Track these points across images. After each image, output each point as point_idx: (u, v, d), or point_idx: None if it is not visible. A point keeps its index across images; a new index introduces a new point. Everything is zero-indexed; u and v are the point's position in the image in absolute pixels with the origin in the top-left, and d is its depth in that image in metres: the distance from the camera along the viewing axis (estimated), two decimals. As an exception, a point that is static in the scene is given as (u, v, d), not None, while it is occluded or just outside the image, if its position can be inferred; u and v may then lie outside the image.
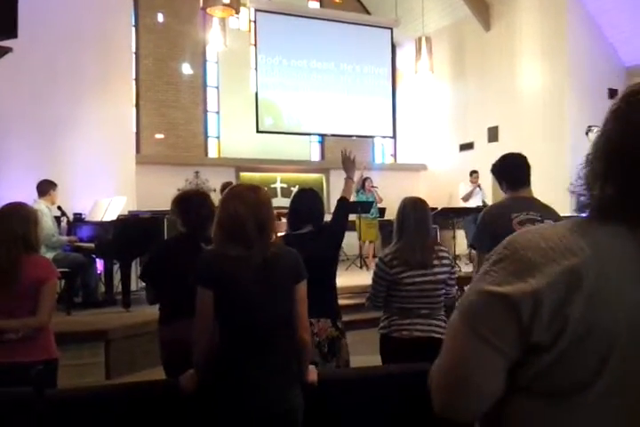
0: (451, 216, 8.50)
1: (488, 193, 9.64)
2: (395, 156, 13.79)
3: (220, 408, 2.00)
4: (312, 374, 2.22)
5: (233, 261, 2.01)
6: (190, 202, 2.91)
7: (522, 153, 3.09)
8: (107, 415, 2.14)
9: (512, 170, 3.00)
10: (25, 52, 4.83)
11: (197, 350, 2.01)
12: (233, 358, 2.03)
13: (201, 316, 2.00)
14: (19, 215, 2.65)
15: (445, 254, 3.14)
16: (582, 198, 0.91)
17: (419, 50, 11.08)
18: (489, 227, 2.87)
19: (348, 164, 3.30)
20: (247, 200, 2.05)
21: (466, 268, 7.79)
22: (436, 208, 7.65)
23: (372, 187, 9.04)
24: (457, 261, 7.59)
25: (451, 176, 11.27)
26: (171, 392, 2.13)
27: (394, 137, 13.12)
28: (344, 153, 3.31)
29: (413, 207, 3.08)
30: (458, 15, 11.42)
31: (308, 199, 3.12)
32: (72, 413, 2.09)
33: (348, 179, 3.28)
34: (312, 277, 2.87)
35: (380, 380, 2.41)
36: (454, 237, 8.47)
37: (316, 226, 3.04)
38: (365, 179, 9.01)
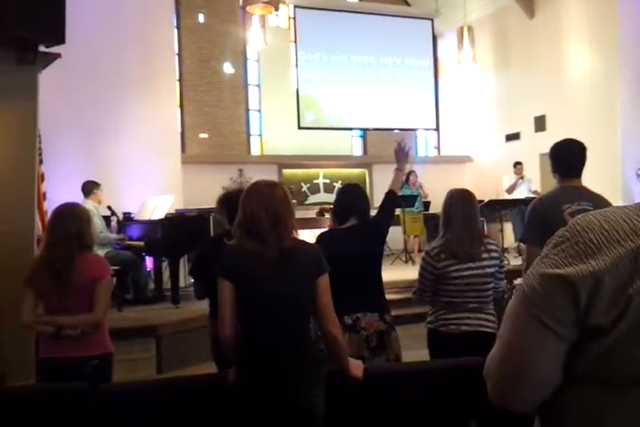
0: (498, 209, 8.32)
1: (537, 182, 9.40)
2: (438, 148, 13.60)
3: (240, 401, 2.03)
4: (356, 368, 2.21)
5: (249, 255, 2.05)
6: (234, 201, 2.95)
7: (579, 140, 2.97)
8: (159, 409, 2.18)
9: (565, 157, 2.91)
10: (71, 56, 4.94)
11: (222, 342, 2.06)
12: (251, 351, 2.06)
13: (222, 307, 2.06)
14: (73, 215, 2.73)
15: (494, 247, 3.06)
16: None
17: (460, 40, 10.88)
18: (539, 218, 2.79)
19: (401, 155, 3.27)
20: (262, 196, 2.10)
21: (514, 261, 7.62)
22: (483, 201, 7.50)
23: (417, 181, 8.95)
24: (505, 255, 7.43)
25: (497, 167, 11.03)
26: (219, 386, 2.16)
27: (437, 129, 12.94)
28: (400, 143, 3.29)
29: (460, 199, 3.02)
30: (500, 3, 11.16)
31: (352, 194, 3.12)
32: (126, 406, 2.14)
33: (398, 171, 3.25)
34: (357, 272, 2.88)
35: (426, 374, 2.38)
36: (502, 230, 8.29)
37: (361, 220, 3.03)
38: (410, 173, 8.90)
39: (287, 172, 10.92)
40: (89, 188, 5.74)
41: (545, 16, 10.40)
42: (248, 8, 8.41)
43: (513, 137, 11.22)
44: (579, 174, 2.89)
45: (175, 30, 10.01)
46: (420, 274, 3.05)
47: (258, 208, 2.06)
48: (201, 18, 11.25)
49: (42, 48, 4.42)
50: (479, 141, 12.29)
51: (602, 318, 0.81)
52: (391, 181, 3.23)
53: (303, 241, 2.22)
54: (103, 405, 2.09)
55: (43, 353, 2.69)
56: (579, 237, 0.84)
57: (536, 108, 10.50)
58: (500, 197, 9.14)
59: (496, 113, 11.74)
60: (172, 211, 6.77)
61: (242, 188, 3.19)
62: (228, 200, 2.98)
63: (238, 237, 2.11)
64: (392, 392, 2.30)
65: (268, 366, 2.02)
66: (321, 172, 11.29)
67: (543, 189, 9.66)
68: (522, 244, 3.31)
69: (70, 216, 2.71)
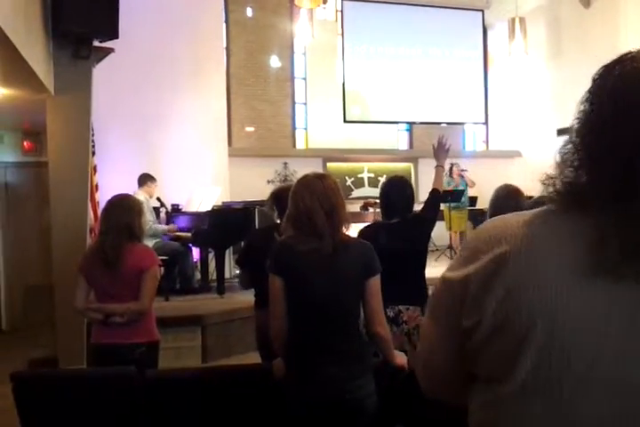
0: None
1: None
2: (487, 142, 13.33)
3: (290, 394, 2.04)
4: (400, 358, 2.20)
5: (301, 251, 2.03)
6: (285, 196, 2.96)
7: None
8: (202, 396, 2.22)
9: None
10: (124, 50, 5.07)
11: (272, 335, 2.07)
12: (299, 346, 2.07)
13: (273, 302, 2.07)
14: (124, 206, 2.80)
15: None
16: (551, 187, 0.85)
17: (512, 31, 10.61)
18: None
19: (441, 151, 3.25)
20: (314, 189, 2.06)
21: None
22: (532, 197, 7.31)
23: (462, 171, 8.75)
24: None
25: (548, 163, 10.66)
26: (263, 376, 2.18)
27: (486, 123, 12.68)
28: (440, 139, 3.25)
29: (507, 196, 2.96)
30: (554, -7, 10.82)
31: (399, 187, 3.09)
32: (171, 392, 2.19)
33: (439, 167, 3.24)
34: (401, 267, 2.86)
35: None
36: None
37: (407, 215, 3.01)
38: (452, 165, 8.74)
39: (332, 165, 10.90)
40: (144, 180, 5.90)
41: (602, 5, 10.02)
42: (296, 1, 8.43)
43: (565, 131, 10.82)
44: None
45: (224, 24, 10.11)
46: None
47: (312, 203, 2.03)
48: (249, 12, 11.32)
49: (96, 43, 4.54)
50: (529, 136, 11.98)
51: (467, 321, 0.83)
52: (434, 179, 3.21)
53: (356, 239, 2.20)
54: (149, 389, 2.14)
55: (93, 339, 2.79)
56: (470, 242, 0.88)
57: (590, 101, 10.15)
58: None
59: (548, 106, 11.41)
60: (219, 203, 6.87)
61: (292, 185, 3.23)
62: (280, 196, 3.00)
63: (289, 231, 2.09)
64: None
65: (315, 359, 2.03)
66: (365, 166, 11.23)
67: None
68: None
69: (122, 207, 2.78)
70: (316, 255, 2.01)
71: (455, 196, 8.27)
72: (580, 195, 0.80)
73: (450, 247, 8.60)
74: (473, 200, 9.41)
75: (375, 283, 2.07)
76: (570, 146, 0.86)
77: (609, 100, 0.82)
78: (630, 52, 0.84)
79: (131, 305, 2.68)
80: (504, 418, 0.80)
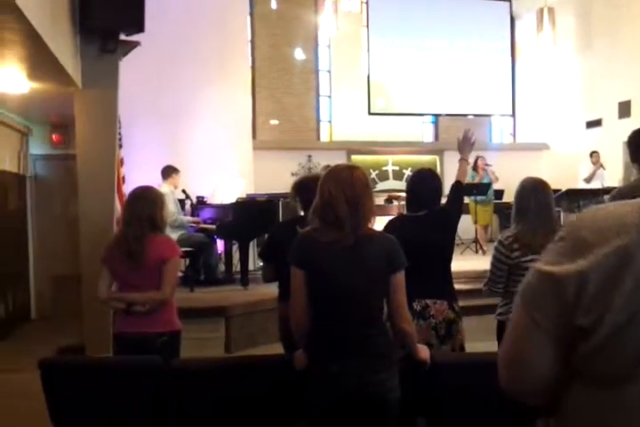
0: (576, 198, 7.97)
1: (619, 172, 8.94)
2: (514, 135, 13.14)
3: (311, 387, 2.04)
4: (423, 352, 2.19)
5: (323, 243, 2.01)
6: (308, 186, 2.96)
7: None
8: (226, 386, 2.25)
9: None
10: (149, 44, 5.11)
11: (293, 327, 2.07)
12: (321, 338, 2.06)
13: (294, 294, 2.07)
14: (147, 198, 2.84)
15: (570, 237, 2.93)
16: None
17: (540, 22, 10.42)
18: None
19: (466, 144, 3.22)
20: (340, 179, 2.04)
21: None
22: (560, 190, 7.20)
23: (486, 165, 8.64)
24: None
25: (576, 156, 10.54)
26: (286, 367, 2.20)
27: (513, 115, 12.49)
28: (466, 133, 3.22)
29: (533, 189, 2.90)
30: (585, -18, 10.58)
31: (426, 180, 3.06)
32: (195, 381, 2.22)
33: (463, 160, 3.22)
34: (428, 260, 2.84)
35: (492, 366, 2.32)
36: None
37: (433, 208, 2.99)
38: (478, 158, 8.64)
39: (356, 158, 10.87)
40: (168, 172, 5.95)
41: (634, -5, 9.76)
42: (321, -7, 8.38)
43: (594, 124, 10.67)
44: None
45: (248, 17, 10.12)
46: (492, 264, 2.97)
47: (337, 192, 2.00)
48: (274, 4, 11.31)
49: (122, 36, 4.58)
50: (557, 128, 11.77)
51: (584, 320, 0.79)
52: (458, 172, 3.18)
53: (381, 232, 2.18)
54: (175, 378, 2.17)
55: (116, 328, 2.84)
56: (572, 234, 0.83)
57: (620, 92, 9.92)
58: (579, 187, 8.76)
59: (576, 98, 11.19)
60: (243, 195, 6.91)
61: (318, 174, 3.23)
62: (303, 186, 3.00)
63: (313, 222, 2.08)
64: (458, 381, 2.26)
65: (337, 352, 2.03)
66: (390, 158, 11.17)
67: (625, 180, 9.17)
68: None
69: (144, 199, 2.82)
70: (338, 247, 2.00)
71: (480, 189, 8.18)
72: None
73: (475, 241, 8.52)
74: (499, 194, 9.30)
75: (400, 278, 2.05)
76: None
77: None
78: None
79: (152, 294, 2.72)
80: (630, 420, 0.77)
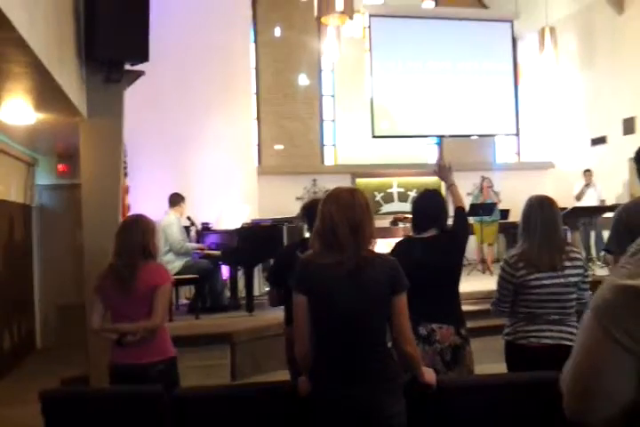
0: (583, 216, 7.92)
1: (626, 189, 8.91)
2: (519, 154, 13.15)
3: (315, 414, 2.00)
4: (428, 375, 2.15)
5: (324, 267, 2.00)
6: (316, 209, 2.96)
7: None
8: (229, 414, 2.20)
9: None
10: (153, 72, 5.17)
11: (297, 354, 2.04)
12: (325, 364, 2.03)
13: (297, 320, 2.05)
14: (137, 226, 2.83)
15: (577, 255, 2.89)
16: None
17: (542, 42, 10.51)
18: (626, 227, 2.61)
19: (444, 172, 3.28)
20: (341, 202, 2.03)
21: (600, 271, 7.20)
22: (566, 208, 7.16)
23: (488, 187, 8.69)
24: (590, 264, 7.06)
25: (582, 174, 10.53)
26: (291, 394, 2.16)
27: (517, 134, 12.52)
28: (438, 162, 3.29)
29: (540, 206, 2.88)
30: (585, 1, 10.68)
31: (432, 201, 3.06)
32: (197, 411, 2.18)
33: (452, 186, 3.25)
34: (435, 282, 2.81)
35: (499, 388, 2.27)
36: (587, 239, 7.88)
37: (441, 230, 2.97)
38: (483, 179, 8.70)
39: (361, 181, 10.89)
40: (176, 200, 5.98)
41: (636, 10, 9.81)
42: (323, 19, 8.51)
43: (599, 141, 10.67)
44: None
45: (252, 44, 10.28)
46: (499, 283, 2.93)
47: (338, 216, 2.00)
48: (277, 32, 11.49)
49: (127, 66, 4.64)
50: (562, 147, 11.77)
51: None
52: (453, 199, 3.19)
53: (382, 254, 2.16)
54: (176, 408, 2.14)
55: (111, 359, 2.80)
56: None
57: (625, 109, 9.94)
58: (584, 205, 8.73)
59: (581, 116, 11.21)
60: (249, 221, 6.92)
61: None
62: (311, 208, 2.99)
63: (314, 247, 2.06)
64: (465, 405, 2.22)
65: (341, 377, 2.00)
66: (395, 180, 11.18)
67: (631, 197, 9.12)
68: (607, 254, 3.13)
69: (135, 227, 2.81)
70: (339, 270, 1.98)
71: (486, 209, 8.16)
72: None
73: (482, 261, 8.46)
74: (504, 213, 9.26)
75: (402, 300, 2.03)
76: None
77: None
78: None
79: (142, 323, 2.69)
80: None
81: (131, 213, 5.78)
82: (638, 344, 0.77)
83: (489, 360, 3.40)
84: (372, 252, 2.08)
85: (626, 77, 9.88)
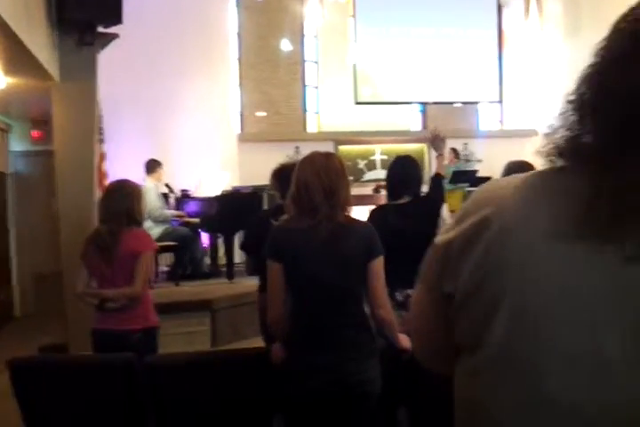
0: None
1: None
2: (502, 122, 13.12)
3: (289, 380, 2.01)
4: (404, 340, 2.17)
5: (298, 233, 1.98)
6: (287, 174, 2.93)
7: None
8: (202, 381, 2.22)
9: None
10: (129, 36, 5.03)
11: (270, 321, 2.04)
12: (300, 330, 2.03)
13: (271, 287, 2.04)
14: (122, 192, 2.79)
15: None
16: (552, 144, 0.78)
17: (527, 8, 10.39)
18: None
19: (437, 142, 3.33)
20: (316, 166, 2.01)
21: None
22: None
23: (455, 158, 8.79)
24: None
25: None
26: (263, 361, 2.17)
27: (500, 102, 12.45)
28: (433, 131, 3.35)
29: (519, 170, 2.88)
30: (571, -34, 10.51)
31: (407, 167, 3.06)
32: (170, 378, 2.19)
33: (440, 156, 3.33)
34: (411, 248, 2.81)
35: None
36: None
37: (416, 196, 2.97)
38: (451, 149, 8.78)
39: (343, 148, 10.81)
40: (152, 166, 5.89)
41: (620, -22, 9.72)
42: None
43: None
44: None
45: (235, 8, 10.01)
46: None
47: (312, 178, 1.98)
48: (260, -6, 11.18)
49: (100, 28, 4.51)
50: (546, 114, 11.77)
51: (447, 286, 0.79)
52: (437, 167, 3.28)
53: (357, 220, 2.14)
54: (149, 375, 2.14)
55: (93, 324, 2.80)
56: (462, 207, 0.83)
57: (607, 77, 9.92)
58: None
59: (564, 85, 11.09)
60: (229, 188, 6.86)
61: (296, 161, 3.23)
62: (283, 174, 2.96)
63: (290, 212, 2.05)
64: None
65: (316, 344, 2.00)
66: (378, 148, 11.12)
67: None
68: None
69: (119, 193, 2.77)
70: (314, 235, 1.96)
71: (469, 176, 8.21)
72: (582, 149, 0.73)
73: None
74: (486, 180, 9.30)
75: (378, 265, 2.02)
76: (575, 96, 0.78)
77: (628, 38, 0.76)
78: None
79: (123, 290, 2.68)
80: (479, 389, 0.76)
81: (108, 180, 5.72)
82: (436, 291, 0.83)
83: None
84: (349, 217, 2.07)
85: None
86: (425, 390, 2.25)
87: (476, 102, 12.27)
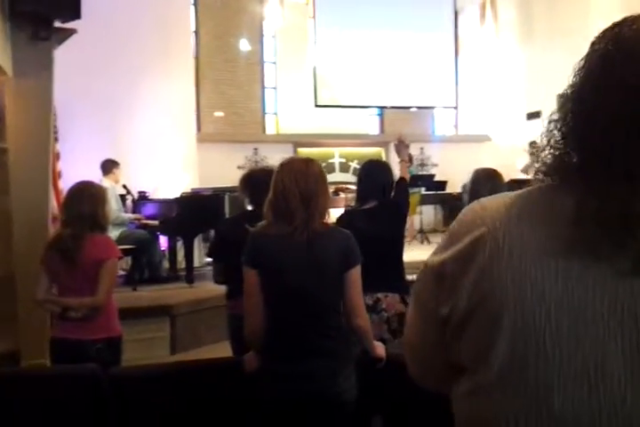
0: (520, 188, 8.18)
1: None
2: (456, 127, 13.38)
3: (263, 389, 1.98)
4: (379, 349, 2.16)
5: (276, 240, 1.96)
6: (256, 180, 2.89)
7: None
8: (171, 393, 2.15)
9: None
10: (88, 32, 4.87)
11: (246, 330, 1.99)
12: (276, 339, 1.99)
13: (247, 295, 1.99)
14: (86, 194, 2.68)
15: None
16: (538, 163, 0.80)
17: (482, 14, 10.62)
18: None
19: (401, 147, 3.37)
20: (294, 171, 1.99)
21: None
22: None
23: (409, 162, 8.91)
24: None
25: (517, 147, 10.82)
26: (235, 371, 2.12)
27: (456, 107, 12.71)
28: (399, 137, 3.41)
29: (487, 177, 2.97)
30: (525, -25, 10.81)
31: (376, 172, 3.08)
32: (136, 390, 2.11)
33: (403, 161, 3.35)
34: (379, 252, 2.83)
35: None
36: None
37: (383, 200, 2.98)
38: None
39: (302, 151, 10.81)
40: (109, 166, 5.72)
41: (572, -14, 10.02)
42: (265, -18, 8.25)
43: (534, 115, 10.98)
44: None
45: (192, 7, 9.85)
46: None
47: (290, 184, 1.95)
48: (218, -7, 11.04)
49: (57, 24, 4.35)
50: (499, 120, 12.06)
51: (444, 308, 0.80)
52: (400, 172, 3.28)
53: (335, 227, 2.12)
54: (114, 388, 2.06)
55: (53, 333, 2.69)
56: (453, 226, 0.84)
57: (560, 85, 10.10)
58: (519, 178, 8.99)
59: (518, 90, 11.48)
60: (188, 190, 6.74)
61: (266, 167, 3.22)
62: (252, 179, 2.93)
63: (268, 218, 2.01)
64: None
65: (292, 353, 1.97)
66: (337, 151, 11.17)
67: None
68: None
69: (84, 195, 2.66)
70: (291, 242, 1.93)
71: (425, 180, 8.32)
72: (571, 169, 0.74)
73: (421, 231, 8.68)
74: (442, 184, 9.45)
75: (355, 274, 2.00)
76: (559, 114, 0.79)
77: (598, 62, 0.76)
78: (632, 16, 0.79)
79: (85, 300, 2.57)
80: (484, 409, 0.76)
81: (62, 181, 5.52)
82: (430, 314, 0.83)
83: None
84: (326, 224, 2.04)
85: (561, 53, 10.10)
86: (399, 397, 2.25)
87: (433, 107, 12.48)
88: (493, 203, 0.81)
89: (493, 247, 0.74)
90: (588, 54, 0.79)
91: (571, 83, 0.78)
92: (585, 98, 0.75)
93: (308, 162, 2.06)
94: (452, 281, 0.77)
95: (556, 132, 0.78)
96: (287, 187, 1.95)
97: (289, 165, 2.04)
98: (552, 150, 0.77)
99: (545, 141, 0.79)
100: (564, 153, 0.75)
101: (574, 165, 0.74)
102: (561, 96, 0.79)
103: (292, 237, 1.93)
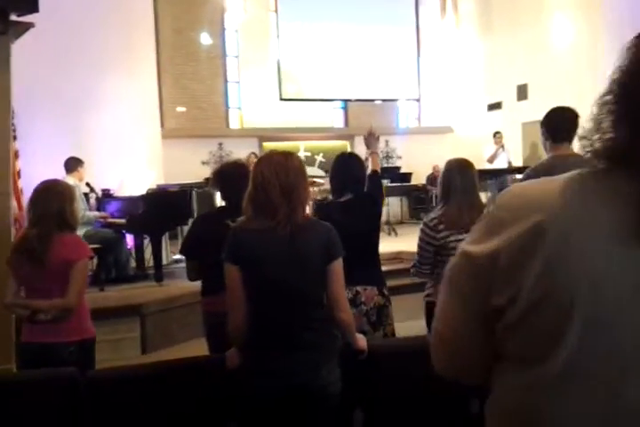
0: (484, 179, 8.29)
1: (519, 152, 9.40)
2: (419, 119, 13.50)
3: (245, 385, 1.96)
4: (361, 341, 2.17)
5: (257, 235, 1.93)
6: (228, 174, 2.84)
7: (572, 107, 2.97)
8: (147, 394, 2.11)
9: (556, 122, 2.88)
10: (46, 26, 4.70)
11: (230, 326, 1.97)
12: (259, 335, 1.98)
13: (230, 291, 1.97)
14: (53, 192, 2.59)
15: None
16: (588, 147, 0.79)
17: (443, 6, 10.72)
18: None
19: (372, 140, 3.36)
20: (275, 164, 1.97)
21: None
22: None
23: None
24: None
25: (478, 138, 11.00)
26: (216, 368, 2.10)
27: (418, 99, 12.81)
28: (370, 129, 3.38)
29: (459, 169, 2.98)
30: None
31: (349, 165, 3.07)
32: (114, 392, 2.07)
33: (374, 153, 3.33)
34: (356, 246, 2.83)
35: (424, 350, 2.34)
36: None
37: (358, 193, 2.98)
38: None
39: (267, 145, 10.76)
40: (72, 164, 5.56)
41: (528, -21, 10.19)
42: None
43: (495, 106, 11.16)
44: (570, 141, 2.86)
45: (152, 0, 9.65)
46: (419, 246, 3.00)
47: (270, 176, 1.92)
48: (177, -14, 10.85)
49: (14, 17, 4.20)
50: (460, 112, 12.21)
51: (498, 299, 0.78)
52: (371, 164, 3.26)
53: (317, 220, 2.11)
54: (92, 391, 2.02)
55: (22, 337, 2.59)
56: (495, 212, 0.82)
57: (518, 76, 10.41)
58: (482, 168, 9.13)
59: (478, 82, 11.64)
60: (153, 186, 6.63)
61: (238, 161, 3.18)
62: (224, 174, 2.89)
63: (247, 213, 1.98)
64: (395, 368, 2.26)
65: (276, 347, 1.96)
66: (302, 144, 11.15)
67: (524, 160, 9.68)
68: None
69: (50, 193, 2.57)
70: (272, 236, 1.92)
71: (390, 172, 8.37)
72: (623, 153, 0.73)
73: (388, 223, 8.73)
74: (406, 176, 9.52)
75: (337, 267, 2.00)
76: (609, 97, 0.77)
77: (634, 54, 0.75)
78: None
79: (55, 301, 2.49)
80: (545, 402, 0.75)
81: (21, 180, 5.35)
82: (474, 303, 0.81)
83: (399, 319, 3.51)
84: (307, 217, 2.03)
85: (521, 45, 10.30)
86: (381, 390, 2.26)
87: (396, 100, 12.56)
88: (538, 187, 0.79)
89: (557, 236, 0.72)
90: (638, 37, 0.77)
91: (620, 65, 0.77)
92: (631, 85, 0.74)
93: (288, 155, 2.04)
94: (508, 273, 0.75)
95: (604, 116, 0.76)
96: (267, 179, 1.93)
97: (268, 158, 2.02)
98: (602, 135, 0.76)
99: (594, 126, 0.77)
100: (614, 137, 0.74)
101: (625, 148, 0.73)
102: (610, 81, 0.78)
103: (274, 231, 1.91)
